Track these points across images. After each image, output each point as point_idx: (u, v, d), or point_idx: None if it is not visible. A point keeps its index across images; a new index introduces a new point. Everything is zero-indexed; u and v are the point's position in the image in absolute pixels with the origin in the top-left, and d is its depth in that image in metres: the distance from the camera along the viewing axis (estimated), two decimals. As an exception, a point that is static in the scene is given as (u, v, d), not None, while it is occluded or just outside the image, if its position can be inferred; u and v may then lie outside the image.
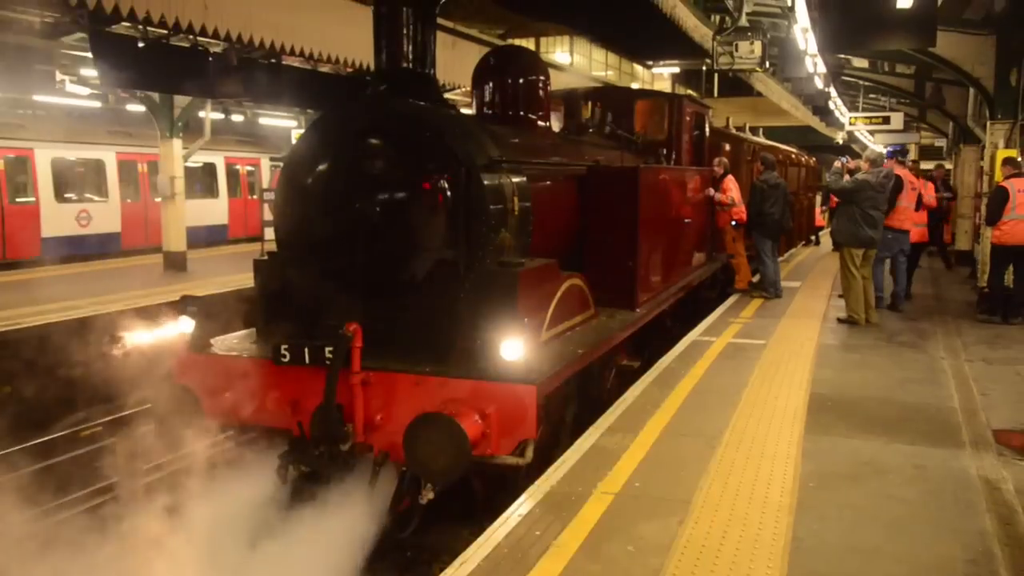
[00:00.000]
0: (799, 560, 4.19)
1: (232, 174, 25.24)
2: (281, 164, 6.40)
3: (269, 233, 9.54)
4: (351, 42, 11.52)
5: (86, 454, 9.81)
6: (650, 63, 27.97)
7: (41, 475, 9.16)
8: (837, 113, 30.41)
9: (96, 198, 20.47)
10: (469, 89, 8.19)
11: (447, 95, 12.68)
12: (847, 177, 10.50)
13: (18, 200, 18.58)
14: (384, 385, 5.46)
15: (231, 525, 5.40)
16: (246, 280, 9.81)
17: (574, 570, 4.10)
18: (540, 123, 7.87)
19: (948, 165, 14.13)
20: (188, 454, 8.90)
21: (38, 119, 19.99)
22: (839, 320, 10.45)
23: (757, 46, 14.21)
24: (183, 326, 6.12)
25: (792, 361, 8.40)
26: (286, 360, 5.53)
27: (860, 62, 24.69)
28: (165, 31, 11.33)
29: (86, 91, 17.05)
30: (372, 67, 6.50)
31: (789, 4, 14.04)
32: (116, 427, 9.68)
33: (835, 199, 11.84)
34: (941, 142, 31.96)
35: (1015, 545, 4.38)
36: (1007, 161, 11.09)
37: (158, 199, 17.98)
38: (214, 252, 20.83)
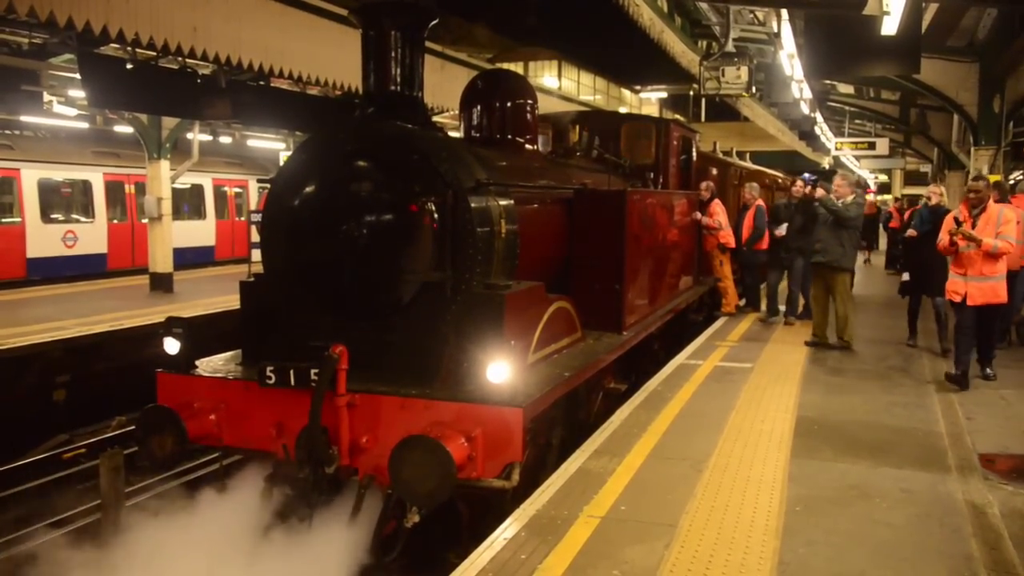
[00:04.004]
0: (785, 585, 4.18)
1: (220, 195, 25.22)
2: (268, 186, 6.39)
3: (256, 255, 9.54)
4: (339, 65, 11.56)
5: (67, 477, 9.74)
6: (638, 87, 28.18)
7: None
8: (823, 138, 30.69)
9: (83, 219, 20.40)
10: (457, 112, 8.22)
11: (435, 118, 12.71)
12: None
13: (3, 221, 18.51)
14: (370, 408, 5.44)
15: (214, 548, 5.35)
16: (232, 302, 9.78)
17: (560, 595, 4.07)
18: (528, 146, 7.90)
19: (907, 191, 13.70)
20: (171, 477, 8.85)
21: (25, 139, 19.95)
22: (838, 345, 10.39)
23: (744, 71, 14.35)
24: (168, 347, 6.08)
25: (778, 385, 8.41)
26: (271, 382, 5.49)
27: (846, 88, 24.93)
28: (154, 53, 11.35)
29: (74, 112, 17.02)
30: (360, 90, 6.51)
31: (775, 30, 14.20)
32: (100, 449, 9.59)
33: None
34: (926, 168, 32.23)
35: (1001, 570, 4.37)
36: (994, 185, 11.11)
37: (145, 220, 17.94)
38: (201, 273, 20.76)
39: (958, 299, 8.60)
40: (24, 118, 18.50)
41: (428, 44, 6.80)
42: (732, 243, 12.39)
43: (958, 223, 8.37)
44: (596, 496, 5.30)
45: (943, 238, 8.60)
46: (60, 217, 19.90)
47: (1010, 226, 8.34)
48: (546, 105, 10.59)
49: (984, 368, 8.93)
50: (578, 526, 4.85)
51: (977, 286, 8.43)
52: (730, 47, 14.45)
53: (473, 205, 5.80)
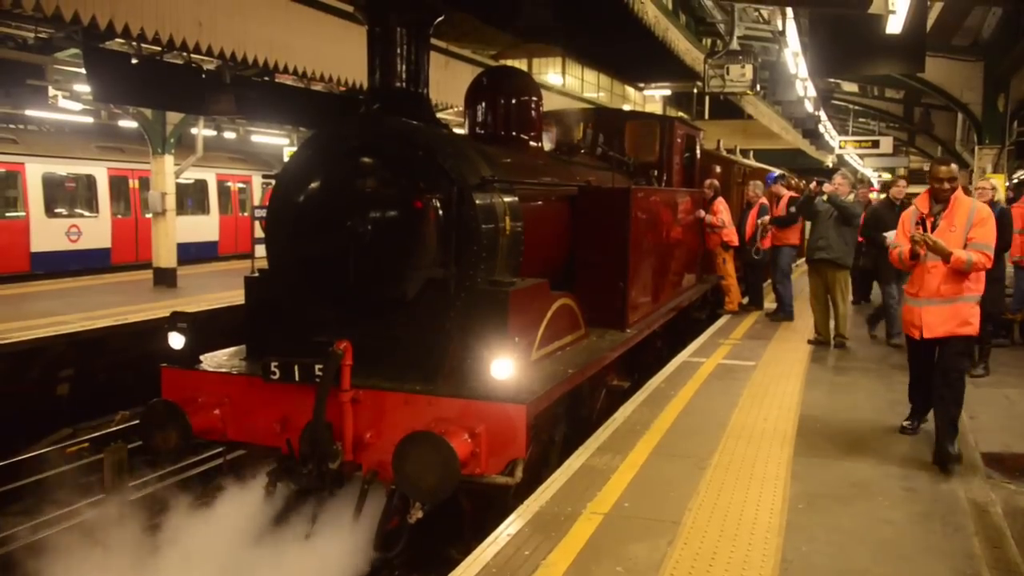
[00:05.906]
0: (788, 582, 4.18)
1: (223, 191, 25.23)
2: (273, 181, 6.39)
3: (260, 250, 9.56)
4: (344, 61, 11.57)
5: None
6: (642, 85, 28.10)
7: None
8: (827, 136, 30.64)
9: (87, 213, 20.42)
10: (462, 109, 8.23)
11: (440, 115, 12.75)
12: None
13: (8, 215, 18.54)
14: (373, 403, 5.45)
15: (218, 543, 5.36)
16: (236, 297, 9.81)
17: (563, 591, 4.08)
18: (532, 143, 7.91)
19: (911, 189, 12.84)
20: (175, 471, 8.87)
21: (30, 134, 19.97)
22: (836, 342, 10.40)
23: (748, 69, 14.35)
24: (172, 342, 6.09)
25: (782, 382, 8.41)
26: (276, 377, 5.51)
27: (850, 86, 24.87)
28: (159, 48, 11.37)
29: (79, 106, 17.03)
30: (365, 86, 6.52)
31: (780, 28, 14.21)
32: (103, 443, 9.62)
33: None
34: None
35: (1003, 568, 4.38)
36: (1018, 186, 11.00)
37: (149, 215, 17.96)
38: (204, 268, 20.78)
39: (916, 334, 6.20)
40: (29, 112, 18.53)
41: (433, 40, 6.81)
42: (735, 241, 12.39)
43: (923, 227, 6.04)
44: (599, 493, 5.31)
45: (901, 246, 6.20)
46: (64, 211, 19.92)
47: (985, 228, 5.92)
48: (551, 102, 10.58)
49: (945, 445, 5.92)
50: (581, 523, 4.85)
51: (935, 311, 6.07)
52: (735, 45, 14.44)
53: (478, 202, 5.81)
